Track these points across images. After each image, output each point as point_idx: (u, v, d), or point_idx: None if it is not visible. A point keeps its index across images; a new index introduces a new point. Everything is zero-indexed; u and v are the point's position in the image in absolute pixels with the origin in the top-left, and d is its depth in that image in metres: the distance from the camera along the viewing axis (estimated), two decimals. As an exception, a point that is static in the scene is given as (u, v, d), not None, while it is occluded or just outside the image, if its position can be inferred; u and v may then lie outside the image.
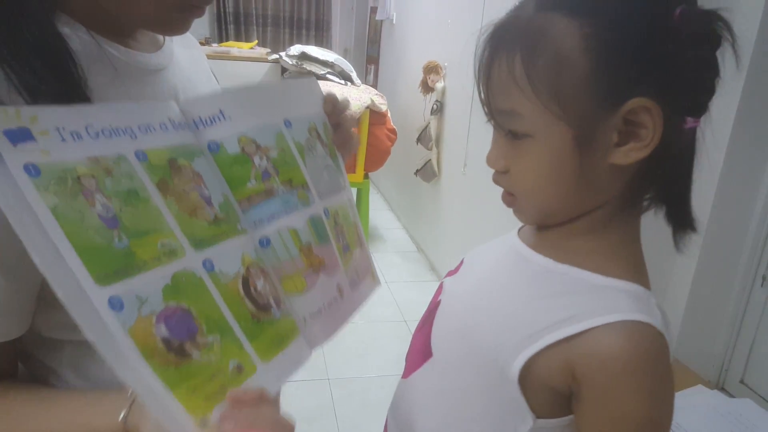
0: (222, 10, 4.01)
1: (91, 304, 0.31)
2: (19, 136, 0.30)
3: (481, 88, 0.43)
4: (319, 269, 0.46)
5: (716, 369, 1.17)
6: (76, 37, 0.42)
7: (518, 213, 0.47)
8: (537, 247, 0.46)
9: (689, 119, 0.39)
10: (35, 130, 0.31)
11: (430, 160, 2.40)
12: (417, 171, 2.50)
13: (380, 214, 3.23)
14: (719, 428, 0.77)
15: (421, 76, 2.38)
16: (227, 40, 3.95)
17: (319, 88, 0.52)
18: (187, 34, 0.57)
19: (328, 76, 2.64)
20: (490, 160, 0.45)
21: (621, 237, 0.44)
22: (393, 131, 2.64)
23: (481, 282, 0.49)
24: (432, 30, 2.52)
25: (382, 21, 3.39)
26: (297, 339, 0.43)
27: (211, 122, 0.41)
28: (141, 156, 0.36)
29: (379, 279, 0.58)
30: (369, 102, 2.44)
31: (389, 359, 1.81)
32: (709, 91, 0.38)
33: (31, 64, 0.37)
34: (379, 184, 3.62)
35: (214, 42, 3.65)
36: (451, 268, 0.57)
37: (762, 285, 1.10)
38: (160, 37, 0.52)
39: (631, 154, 0.39)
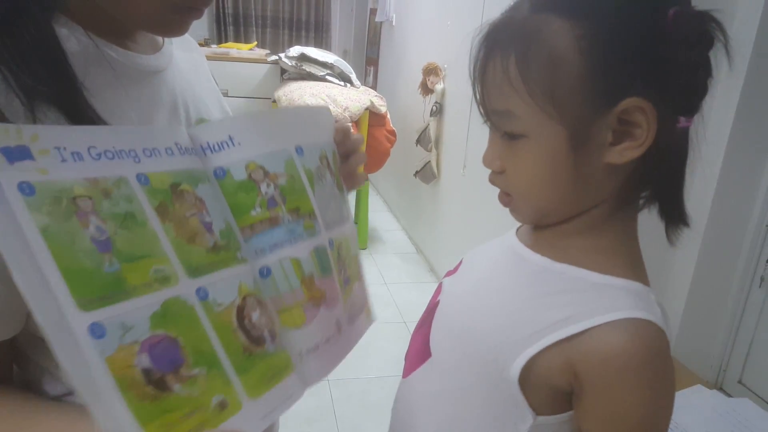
0: (221, 11, 4.01)
1: (69, 329, 0.30)
2: (17, 154, 0.30)
3: (477, 89, 0.43)
4: (320, 303, 0.44)
5: (714, 369, 1.18)
6: (75, 38, 0.41)
7: (515, 213, 0.47)
8: (534, 246, 0.46)
9: (682, 119, 0.39)
10: (35, 149, 0.31)
11: (429, 161, 2.41)
12: (416, 172, 2.51)
13: (380, 216, 3.23)
14: (718, 428, 0.77)
15: (420, 77, 2.38)
16: (226, 41, 3.95)
17: (332, 117, 0.52)
18: (187, 37, 0.57)
19: (327, 77, 2.65)
20: (486, 161, 0.45)
21: (618, 235, 0.44)
22: (392, 133, 2.64)
23: (480, 282, 0.50)
24: (431, 32, 2.52)
25: (381, 22, 3.40)
26: (290, 376, 0.42)
27: (220, 148, 0.41)
28: (142, 179, 0.35)
29: (373, 315, 0.56)
30: (368, 103, 2.45)
31: (389, 360, 1.82)
32: (702, 91, 0.39)
33: (28, 66, 0.37)
34: (379, 186, 3.63)
35: (213, 43, 3.65)
36: (451, 269, 0.57)
37: (760, 286, 1.10)
38: (159, 39, 0.52)
39: (625, 153, 0.39)
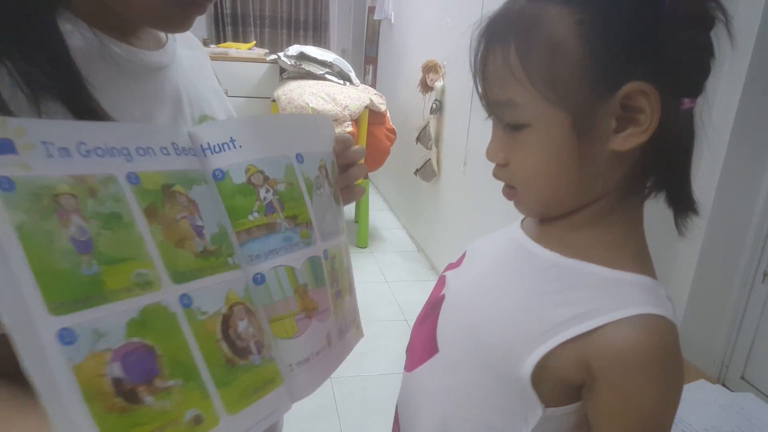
0: (219, 11, 4.00)
1: (36, 333, 0.28)
2: (0, 148, 0.29)
3: (478, 81, 0.43)
4: (312, 314, 0.44)
5: (717, 365, 1.17)
6: (78, 33, 0.41)
7: (519, 205, 0.47)
8: (541, 240, 0.46)
9: (686, 100, 0.39)
10: (20, 143, 0.29)
11: (429, 159, 2.40)
12: (416, 170, 2.50)
13: (380, 214, 3.23)
14: (722, 422, 0.77)
15: (420, 75, 2.38)
16: (225, 41, 3.95)
17: (333, 127, 0.52)
18: (190, 35, 0.57)
19: (326, 76, 2.64)
20: (490, 154, 0.45)
21: (625, 227, 0.44)
22: (392, 131, 2.64)
23: (486, 277, 0.49)
24: (431, 29, 2.52)
25: (380, 21, 3.39)
26: (277, 389, 0.40)
27: (220, 149, 0.40)
28: (133, 178, 0.34)
29: (363, 331, 0.55)
30: (368, 102, 2.45)
31: (390, 358, 1.83)
32: (705, 71, 0.39)
33: (33, 60, 0.37)
34: (379, 184, 3.62)
35: (212, 43, 3.64)
36: (452, 262, 0.56)
37: (763, 281, 1.10)
38: (163, 35, 0.52)
39: (630, 139, 0.39)
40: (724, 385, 1.14)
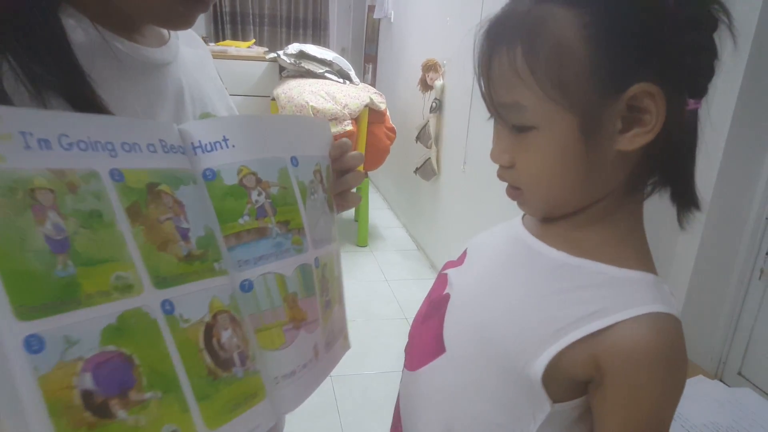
0: (219, 9, 4.00)
1: (0, 340, 0.26)
2: None
3: (482, 84, 0.43)
4: (300, 324, 0.42)
5: (714, 361, 1.18)
6: (81, 29, 0.41)
7: (525, 206, 0.47)
8: (546, 239, 0.46)
9: (691, 101, 0.40)
10: None
11: (429, 158, 2.40)
12: (416, 169, 2.51)
13: (380, 213, 3.23)
14: (720, 417, 0.78)
15: (419, 74, 2.38)
16: (224, 39, 3.94)
17: (330, 130, 0.51)
18: (193, 33, 0.57)
19: (326, 74, 2.64)
20: (494, 156, 0.45)
21: (628, 225, 0.44)
22: (392, 130, 2.64)
23: (492, 275, 0.49)
24: (430, 28, 2.52)
25: (380, 19, 3.39)
26: (261, 403, 0.38)
27: (212, 148, 0.38)
28: (116, 175, 0.32)
29: (350, 343, 0.54)
30: (368, 100, 2.45)
31: (391, 356, 1.83)
32: (709, 72, 0.39)
33: (35, 54, 0.36)
34: (379, 183, 3.63)
35: (211, 41, 3.64)
36: (451, 260, 0.56)
37: (760, 278, 1.11)
38: (166, 32, 0.52)
39: (636, 139, 0.39)
40: (721, 380, 1.15)
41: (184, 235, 0.35)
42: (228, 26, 4.06)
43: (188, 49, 0.55)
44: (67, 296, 0.28)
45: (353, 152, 0.52)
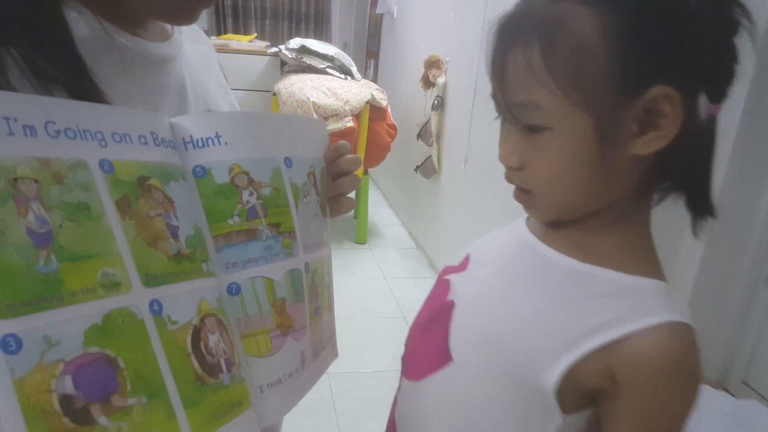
0: (221, 2, 3.97)
1: None
2: None
3: (495, 83, 0.42)
4: (288, 331, 0.40)
5: (718, 369, 1.17)
6: (84, 23, 0.41)
7: (533, 210, 0.45)
8: (554, 244, 0.45)
9: (711, 106, 0.39)
10: None
11: (430, 156, 2.39)
12: (417, 167, 2.49)
13: (379, 211, 3.22)
14: (726, 430, 0.76)
15: (422, 70, 2.36)
16: (225, 32, 3.92)
17: (326, 132, 0.49)
18: (197, 29, 0.57)
19: (328, 70, 2.62)
20: (503, 157, 0.44)
21: (637, 231, 0.44)
22: (393, 127, 2.62)
23: (499, 282, 0.48)
24: (433, 24, 2.50)
25: (382, 15, 3.36)
26: (246, 412, 0.37)
27: (204, 144, 0.37)
28: (106, 166, 0.30)
29: (338, 351, 0.52)
30: (369, 97, 2.43)
31: (387, 354, 1.82)
32: (729, 77, 0.38)
33: (39, 48, 0.36)
34: (379, 180, 3.61)
35: (212, 35, 3.62)
36: (450, 264, 0.55)
37: (766, 285, 1.09)
38: (169, 27, 0.51)
39: (650, 143, 0.39)
40: (725, 389, 1.13)
41: (174, 232, 0.34)
42: (230, 19, 4.03)
43: (192, 44, 0.55)
44: (49, 293, 0.27)
45: (350, 155, 0.51)
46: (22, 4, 0.36)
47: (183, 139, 0.37)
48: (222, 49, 2.97)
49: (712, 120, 0.40)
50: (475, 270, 0.51)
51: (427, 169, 2.43)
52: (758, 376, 1.11)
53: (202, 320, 0.34)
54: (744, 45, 0.38)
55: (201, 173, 0.37)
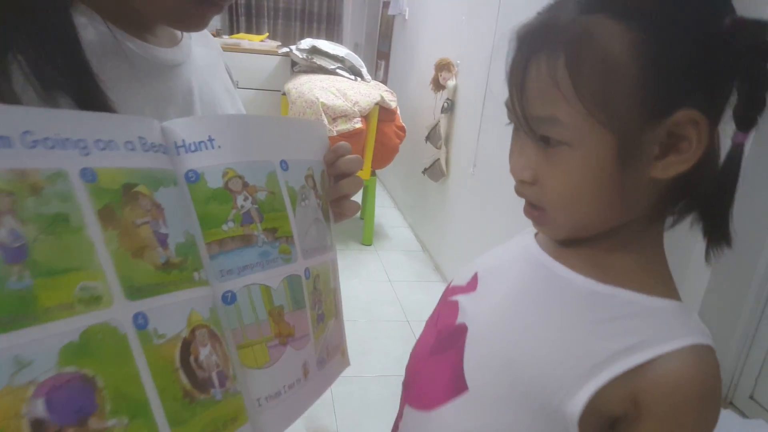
0: (234, 2, 3.99)
1: None
2: None
3: (513, 93, 0.40)
4: (287, 340, 0.39)
5: (725, 384, 1.15)
6: (93, 27, 0.40)
7: (544, 227, 0.44)
8: (567, 262, 0.43)
9: (737, 134, 0.37)
10: None
11: (438, 159, 2.38)
12: (425, 170, 2.48)
13: (386, 212, 3.21)
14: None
15: (432, 73, 2.35)
16: (238, 32, 3.94)
17: (326, 134, 0.48)
18: (206, 32, 0.56)
19: (338, 71, 2.62)
20: (516, 171, 0.42)
21: (653, 251, 0.43)
22: (402, 129, 2.61)
23: (513, 304, 0.45)
24: (445, 26, 2.48)
25: (394, 16, 3.36)
26: (242, 428, 0.36)
27: (196, 148, 0.36)
28: (88, 175, 0.29)
29: (349, 359, 0.50)
30: (379, 98, 2.42)
31: (391, 358, 1.79)
32: (761, 104, 0.36)
33: (46, 53, 0.35)
34: (386, 182, 3.60)
35: (225, 34, 3.63)
36: (456, 269, 0.53)
37: (777, 300, 1.07)
38: (178, 33, 0.51)
39: (670, 167, 0.37)
40: (731, 404, 1.11)
41: (162, 241, 0.33)
42: (243, 18, 4.05)
43: (200, 48, 0.54)
44: (21, 311, 0.25)
45: (350, 156, 0.49)
46: (31, 7, 0.35)
47: (175, 143, 0.36)
48: (233, 49, 2.98)
49: (738, 149, 0.38)
50: (485, 291, 0.49)
51: (435, 171, 2.42)
52: (766, 391, 1.09)
53: (192, 332, 0.33)
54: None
55: (194, 178, 0.36)
